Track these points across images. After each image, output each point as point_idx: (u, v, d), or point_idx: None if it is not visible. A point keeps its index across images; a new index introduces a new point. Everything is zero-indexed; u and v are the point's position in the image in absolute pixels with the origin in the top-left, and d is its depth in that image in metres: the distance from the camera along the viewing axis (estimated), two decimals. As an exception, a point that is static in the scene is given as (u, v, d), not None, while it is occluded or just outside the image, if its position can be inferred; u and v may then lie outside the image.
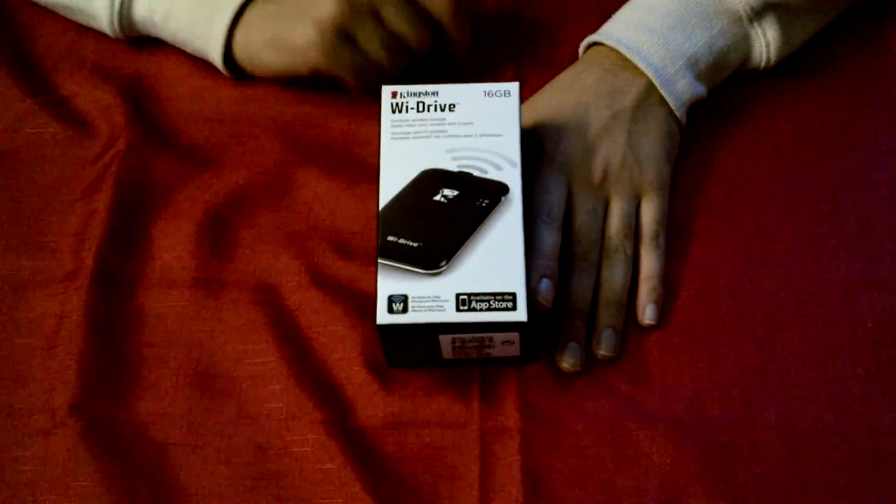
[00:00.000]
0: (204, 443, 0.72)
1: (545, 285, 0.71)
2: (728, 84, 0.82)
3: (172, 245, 0.79)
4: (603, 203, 0.77)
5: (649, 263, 0.76)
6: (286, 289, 0.77)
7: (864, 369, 0.73)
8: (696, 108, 0.80)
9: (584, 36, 0.82)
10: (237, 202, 0.80)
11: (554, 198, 0.75)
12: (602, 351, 0.74)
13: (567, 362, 0.73)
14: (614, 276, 0.75)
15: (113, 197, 0.80)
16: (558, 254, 0.73)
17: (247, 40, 0.81)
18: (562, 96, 0.79)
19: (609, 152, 0.77)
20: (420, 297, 0.68)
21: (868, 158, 0.81)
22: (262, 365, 0.74)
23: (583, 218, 0.76)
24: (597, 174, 0.76)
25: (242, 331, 0.75)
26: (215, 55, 0.82)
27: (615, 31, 0.80)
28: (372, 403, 0.73)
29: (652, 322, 0.75)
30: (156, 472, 0.71)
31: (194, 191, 0.81)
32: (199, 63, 0.86)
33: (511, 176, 0.72)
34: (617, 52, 0.79)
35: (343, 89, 0.82)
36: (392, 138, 0.74)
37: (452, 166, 0.73)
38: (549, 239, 0.73)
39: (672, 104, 0.78)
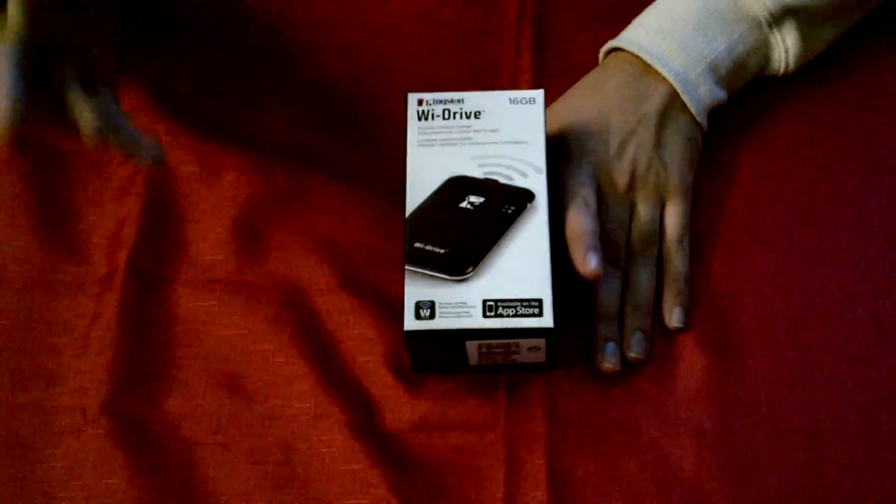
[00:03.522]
0: (232, 442, 0.73)
1: (594, 257, 0.71)
2: (748, 91, 0.82)
3: (204, 247, 0.79)
4: (628, 208, 0.77)
5: (675, 266, 0.76)
6: (315, 292, 0.77)
7: (889, 375, 0.73)
8: (715, 114, 0.80)
9: (602, 42, 0.82)
10: (268, 205, 0.80)
11: (588, 190, 0.75)
12: (632, 353, 0.74)
13: (609, 362, 0.73)
14: (641, 280, 0.76)
15: (145, 198, 0.80)
16: (598, 238, 0.73)
17: None
18: (586, 101, 0.79)
19: (636, 156, 0.77)
20: (447, 303, 0.69)
21: (890, 163, 0.81)
22: (290, 366, 0.75)
23: (610, 225, 0.76)
24: (624, 178, 0.76)
25: (271, 332, 0.76)
26: None
27: (636, 37, 0.80)
28: (398, 406, 0.73)
29: (679, 325, 0.75)
30: (184, 471, 0.72)
31: (225, 192, 0.81)
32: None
33: (537, 183, 0.73)
34: (638, 57, 0.79)
35: None
36: (418, 145, 0.74)
37: (478, 173, 0.73)
38: (589, 223, 0.73)
39: (693, 110, 0.78)
